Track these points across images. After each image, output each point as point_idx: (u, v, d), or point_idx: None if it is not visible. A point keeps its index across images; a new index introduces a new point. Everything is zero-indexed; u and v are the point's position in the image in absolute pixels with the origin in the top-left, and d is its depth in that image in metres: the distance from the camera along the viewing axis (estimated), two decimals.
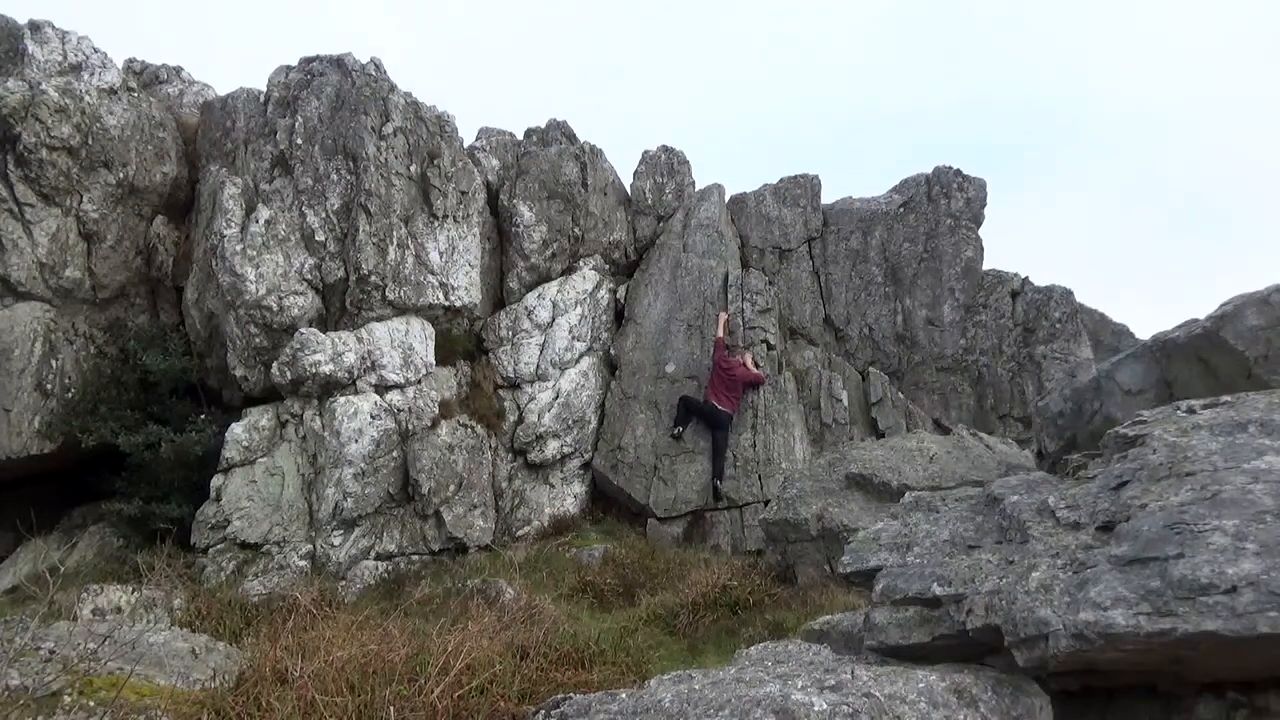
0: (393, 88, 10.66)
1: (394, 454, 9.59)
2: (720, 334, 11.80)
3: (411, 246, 10.36)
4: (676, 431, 11.25)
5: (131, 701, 3.68)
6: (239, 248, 9.67)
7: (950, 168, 13.61)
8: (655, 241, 13.16)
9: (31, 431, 9.52)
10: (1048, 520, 3.23)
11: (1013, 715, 2.78)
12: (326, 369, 9.47)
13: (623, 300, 12.67)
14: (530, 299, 11.93)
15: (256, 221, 9.80)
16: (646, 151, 13.70)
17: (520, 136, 13.01)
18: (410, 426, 9.80)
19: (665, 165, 13.66)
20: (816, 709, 2.47)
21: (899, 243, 13.29)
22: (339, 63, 10.58)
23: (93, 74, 10.32)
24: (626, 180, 13.53)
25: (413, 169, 10.50)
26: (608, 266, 12.94)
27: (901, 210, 13.45)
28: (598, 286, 12.51)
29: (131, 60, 12.34)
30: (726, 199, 13.53)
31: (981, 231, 13.44)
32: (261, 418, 9.59)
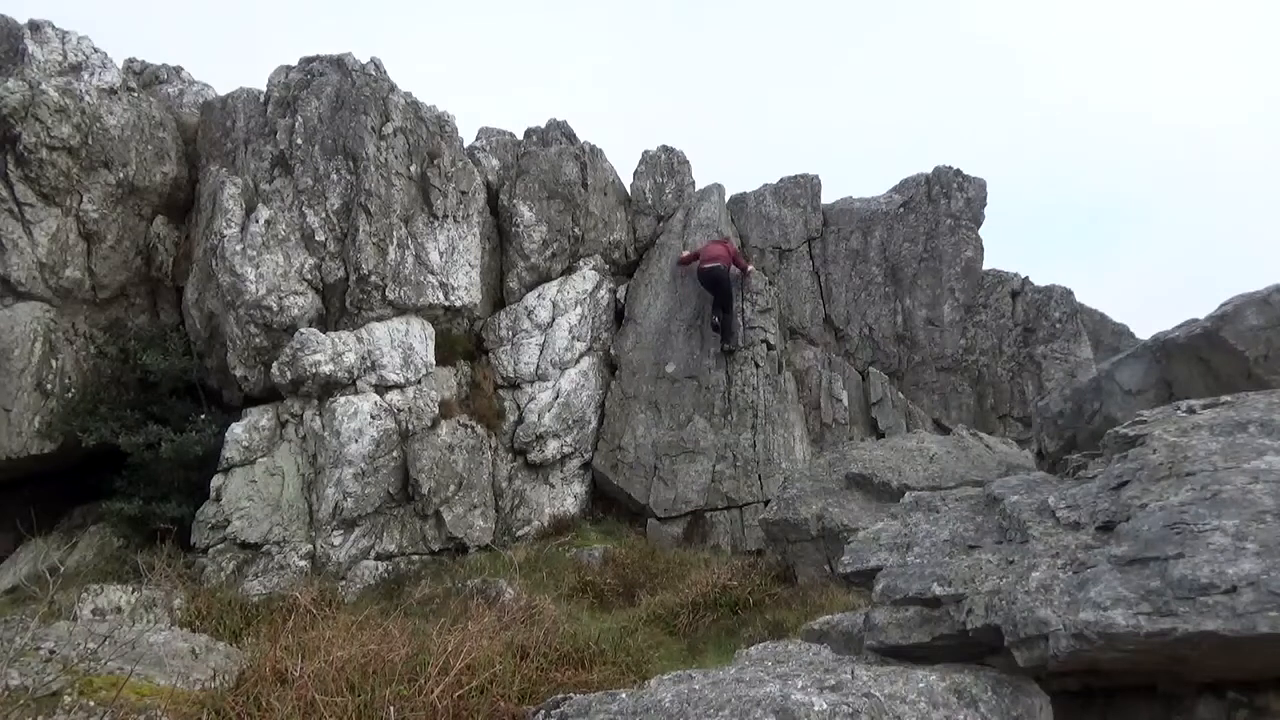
0: (393, 88, 10.67)
1: (394, 454, 9.59)
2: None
3: (411, 246, 10.36)
4: (715, 321, 11.74)
5: (131, 701, 3.68)
6: (239, 248, 9.68)
7: (950, 167, 13.62)
8: (655, 241, 13.17)
9: (31, 431, 9.52)
10: (1048, 520, 3.23)
11: (1013, 715, 2.78)
12: (326, 369, 9.47)
13: (623, 300, 12.68)
14: (530, 299, 11.93)
15: (256, 221, 9.80)
16: (646, 151, 13.72)
17: (520, 136, 13.02)
18: (410, 426, 9.80)
19: (665, 165, 13.66)
20: (816, 709, 2.47)
21: (899, 243, 13.29)
22: (339, 63, 10.59)
23: (93, 74, 10.32)
24: (626, 180, 13.54)
25: (413, 169, 10.51)
26: (608, 266, 12.94)
27: (901, 210, 13.46)
28: (598, 286, 12.51)
29: (131, 60, 12.33)
30: (726, 199, 13.54)
31: (981, 231, 13.46)
32: (261, 418, 9.59)
